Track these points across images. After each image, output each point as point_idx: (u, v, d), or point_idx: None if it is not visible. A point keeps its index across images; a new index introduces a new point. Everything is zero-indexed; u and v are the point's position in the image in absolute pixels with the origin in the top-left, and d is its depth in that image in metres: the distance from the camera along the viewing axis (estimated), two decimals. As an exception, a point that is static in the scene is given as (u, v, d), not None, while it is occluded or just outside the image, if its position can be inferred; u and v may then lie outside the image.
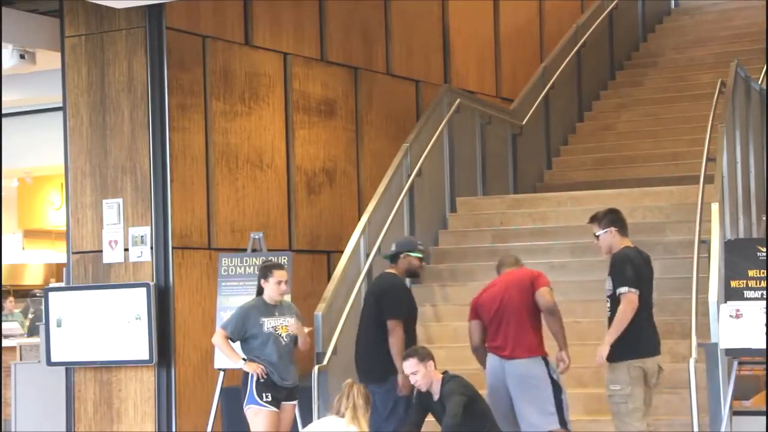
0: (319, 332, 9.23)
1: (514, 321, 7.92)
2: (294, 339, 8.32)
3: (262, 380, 8.14)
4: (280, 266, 8.44)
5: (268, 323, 8.24)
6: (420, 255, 8.61)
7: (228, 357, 8.39)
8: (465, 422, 7.62)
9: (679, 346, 9.13)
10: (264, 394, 8.14)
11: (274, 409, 8.14)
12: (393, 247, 8.69)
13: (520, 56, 14.91)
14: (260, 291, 8.40)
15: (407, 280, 9.23)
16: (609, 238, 7.90)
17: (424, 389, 7.84)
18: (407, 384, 8.11)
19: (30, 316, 15.11)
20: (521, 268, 8.27)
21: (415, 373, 7.80)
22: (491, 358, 8.02)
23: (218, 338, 8.30)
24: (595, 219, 7.99)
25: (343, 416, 7.54)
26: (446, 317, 10.50)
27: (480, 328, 8.11)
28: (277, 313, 8.28)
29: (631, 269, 7.67)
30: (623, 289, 7.61)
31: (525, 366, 7.85)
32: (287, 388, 8.19)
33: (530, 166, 13.54)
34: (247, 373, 8.18)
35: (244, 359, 8.27)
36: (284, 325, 8.28)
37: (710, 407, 8.06)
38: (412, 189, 10.99)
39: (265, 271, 8.34)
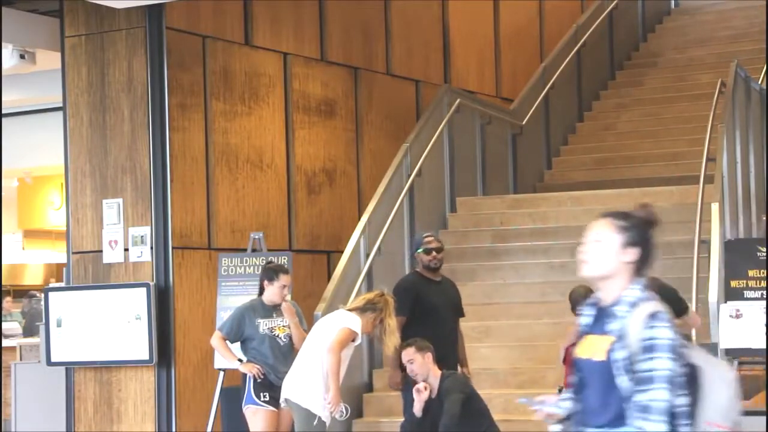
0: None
1: None
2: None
3: (259, 380, 8.16)
4: (285, 270, 8.43)
5: (264, 324, 8.24)
6: (425, 249, 8.59)
7: (225, 358, 8.41)
8: (463, 421, 7.62)
9: (679, 346, 9.13)
10: (261, 394, 8.16)
11: (272, 408, 8.15)
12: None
13: (520, 56, 14.91)
14: (261, 291, 8.39)
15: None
16: None
17: (419, 380, 7.85)
18: (395, 379, 8.18)
19: (26, 316, 15.11)
20: None
21: (411, 362, 7.82)
22: None
23: (215, 340, 8.36)
24: None
25: (362, 311, 7.71)
26: (446, 317, 10.50)
27: None
28: (274, 315, 8.28)
29: None
30: None
31: None
32: None
33: (530, 166, 13.54)
34: (246, 374, 8.22)
35: (240, 360, 8.28)
36: (281, 326, 8.27)
37: (710, 407, 8.05)
38: (412, 189, 10.99)
39: (271, 273, 8.32)
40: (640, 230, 4.10)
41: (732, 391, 4.12)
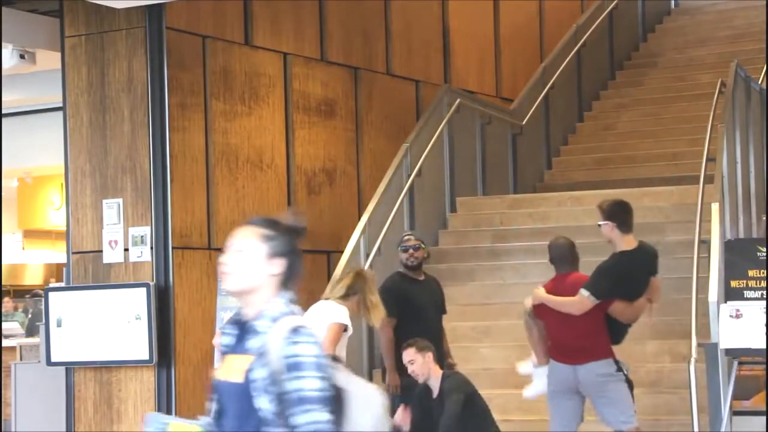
0: (319, 332, 9.24)
1: None
2: None
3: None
4: None
5: None
6: (402, 247, 8.62)
7: None
8: (463, 421, 7.62)
9: (679, 346, 9.14)
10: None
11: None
12: None
13: (520, 56, 14.91)
14: None
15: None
16: (608, 231, 7.93)
17: (420, 380, 7.86)
18: (394, 384, 8.19)
19: (29, 315, 15.11)
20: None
21: (412, 362, 7.83)
22: None
23: (218, 339, 8.31)
24: (599, 208, 8.00)
25: (345, 297, 7.67)
26: (446, 317, 10.49)
27: None
28: None
29: (607, 282, 7.71)
30: (584, 292, 7.66)
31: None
32: None
33: (530, 166, 13.54)
34: None
35: None
36: None
37: (710, 407, 8.06)
38: (412, 189, 11.00)
39: None
40: (287, 239, 3.76)
41: (378, 413, 3.86)
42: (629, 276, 7.83)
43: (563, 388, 7.80)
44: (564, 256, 7.98)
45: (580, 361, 7.71)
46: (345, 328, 7.66)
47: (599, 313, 7.77)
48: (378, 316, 7.77)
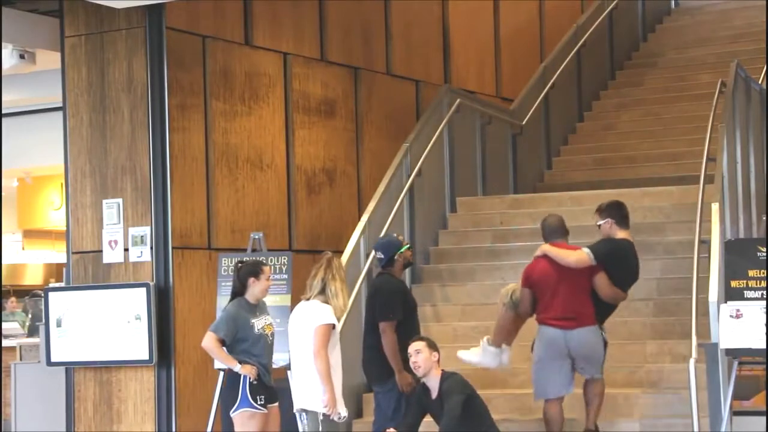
0: (319, 332, 9.21)
1: None
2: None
3: (254, 382, 8.00)
4: (266, 262, 8.42)
5: (257, 324, 8.11)
6: (408, 246, 8.71)
7: (222, 361, 8.14)
8: (463, 422, 7.62)
9: (679, 346, 9.14)
10: (258, 397, 7.99)
11: (266, 411, 8.04)
12: (381, 254, 8.64)
13: (520, 56, 14.91)
14: (240, 292, 8.20)
15: (406, 274, 9.12)
16: (607, 228, 8.61)
17: (419, 374, 7.85)
18: (406, 383, 8.15)
19: (29, 315, 15.11)
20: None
21: (419, 353, 7.81)
22: None
23: (210, 342, 8.01)
24: (597, 210, 8.72)
25: (323, 291, 7.73)
26: (446, 317, 10.51)
27: None
28: (258, 313, 8.17)
29: (606, 249, 8.42)
30: (586, 250, 8.38)
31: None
32: (273, 388, 8.14)
33: (530, 166, 13.54)
34: (237, 376, 8.01)
35: (240, 362, 8.10)
36: (268, 324, 8.18)
37: (710, 407, 8.06)
38: (412, 189, 10.99)
39: (255, 268, 8.14)
40: None
41: None
42: (621, 259, 8.48)
43: (554, 352, 8.37)
44: (556, 228, 8.61)
45: (570, 326, 8.32)
46: (333, 326, 7.67)
47: (587, 283, 8.39)
48: (338, 304, 7.75)
